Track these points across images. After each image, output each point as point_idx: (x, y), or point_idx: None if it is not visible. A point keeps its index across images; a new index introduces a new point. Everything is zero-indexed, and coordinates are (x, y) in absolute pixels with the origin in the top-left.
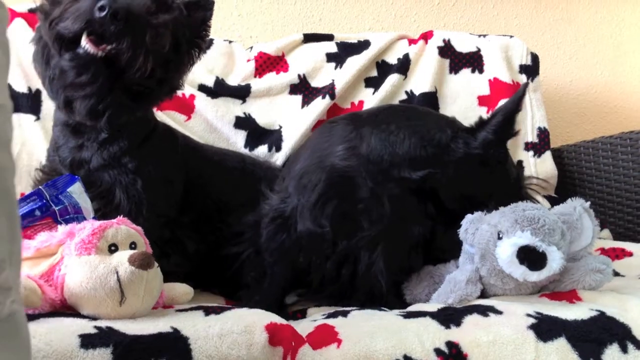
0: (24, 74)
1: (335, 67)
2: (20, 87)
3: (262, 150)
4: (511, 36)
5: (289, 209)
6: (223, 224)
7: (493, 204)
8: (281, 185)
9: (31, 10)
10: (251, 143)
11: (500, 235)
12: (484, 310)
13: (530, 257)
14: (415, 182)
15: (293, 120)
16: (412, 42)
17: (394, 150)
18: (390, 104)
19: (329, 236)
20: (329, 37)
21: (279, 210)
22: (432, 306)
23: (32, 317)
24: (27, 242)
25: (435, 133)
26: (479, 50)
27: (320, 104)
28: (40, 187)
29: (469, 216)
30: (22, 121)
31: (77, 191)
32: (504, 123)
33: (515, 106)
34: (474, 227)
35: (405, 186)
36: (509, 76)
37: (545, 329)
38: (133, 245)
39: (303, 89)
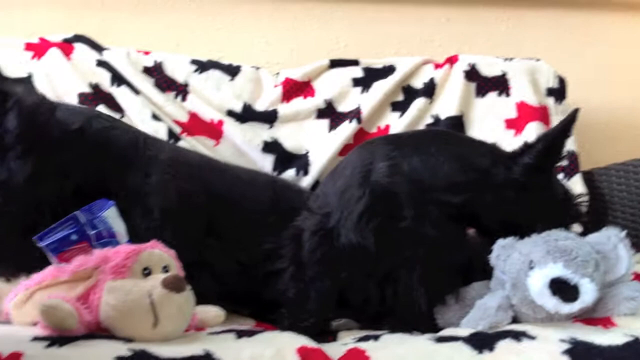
0: None
1: (362, 92)
2: None
3: (289, 174)
4: (537, 59)
5: (332, 222)
6: (253, 243)
7: (540, 228)
8: (319, 202)
9: (66, 40)
10: (279, 167)
11: (532, 265)
12: (517, 335)
13: (563, 289)
14: (456, 206)
15: (320, 145)
16: (437, 66)
17: (435, 173)
18: (430, 128)
19: (372, 250)
20: (354, 63)
21: (321, 223)
22: (464, 331)
23: (69, 340)
24: (64, 266)
25: (476, 158)
26: (505, 73)
27: (346, 129)
28: (76, 212)
29: (500, 242)
30: None
31: (111, 215)
32: (546, 149)
33: (560, 132)
34: (506, 254)
35: (445, 211)
36: (536, 99)
37: (580, 354)
38: (166, 269)
39: (330, 113)
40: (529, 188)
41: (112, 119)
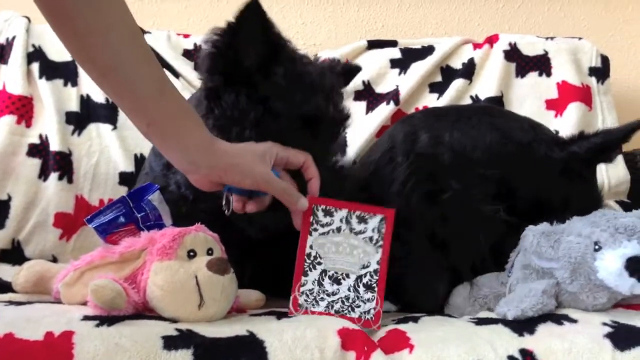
0: None
1: (400, 73)
2: (99, 98)
3: None
4: (580, 38)
5: (375, 190)
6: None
7: (569, 214)
8: (362, 170)
9: None
10: None
11: (598, 247)
12: (558, 319)
13: None
14: (495, 181)
15: (357, 126)
16: (477, 46)
17: (475, 145)
18: (471, 103)
19: (418, 217)
20: (392, 43)
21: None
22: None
23: (117, 319)
24: (112, 247)
25: (517, 132)
26: (546, 53)
27: (384, 110)
28: (124, 195)
29: (533, 228)
30: (100, 130)
31: (157, 199)
32: (600, 145)
33: (620, 135)
34: (551, 240)
35: (484, 184)
36: (578, 79)
37: (623, 337)
38: (210, 251)
39: (367, 95)
40: (570, 174)
41: None
